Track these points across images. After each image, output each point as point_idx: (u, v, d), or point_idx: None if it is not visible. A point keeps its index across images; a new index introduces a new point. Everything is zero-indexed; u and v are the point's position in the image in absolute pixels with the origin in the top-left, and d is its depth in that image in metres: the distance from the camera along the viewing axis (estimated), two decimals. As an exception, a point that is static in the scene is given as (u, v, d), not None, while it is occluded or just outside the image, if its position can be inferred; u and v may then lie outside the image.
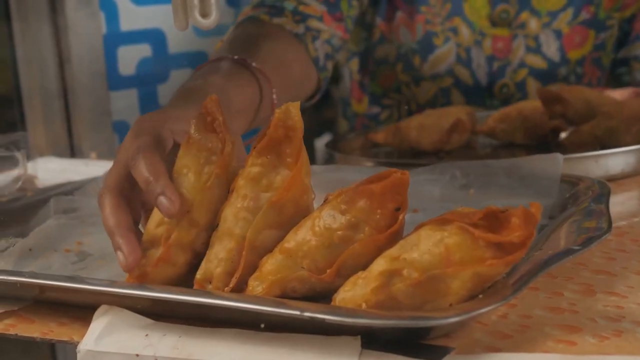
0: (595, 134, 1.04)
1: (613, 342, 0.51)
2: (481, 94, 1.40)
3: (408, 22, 1.40)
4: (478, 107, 1.36)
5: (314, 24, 1.14)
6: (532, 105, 1.16)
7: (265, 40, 1.02)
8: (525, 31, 1.38)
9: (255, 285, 0.58)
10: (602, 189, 0.75)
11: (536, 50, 1.39)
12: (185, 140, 0.65)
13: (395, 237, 0.56)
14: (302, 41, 1.09)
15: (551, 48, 1.38)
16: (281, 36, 1.08)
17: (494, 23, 1.38)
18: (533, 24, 1.38)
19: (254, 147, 0.61)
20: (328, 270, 0.56)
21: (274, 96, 0.94)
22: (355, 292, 0.53)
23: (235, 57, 0.92)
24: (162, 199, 0.61)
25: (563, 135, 1.13)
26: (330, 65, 1.15)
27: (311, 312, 0.49)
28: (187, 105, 0.75)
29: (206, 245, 0.62)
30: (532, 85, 1.40)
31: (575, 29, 1.38)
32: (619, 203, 0.83)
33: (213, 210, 0.63)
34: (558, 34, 1.38)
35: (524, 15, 1.38)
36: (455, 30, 1.38)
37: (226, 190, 0.63)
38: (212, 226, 0.63)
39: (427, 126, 1.15)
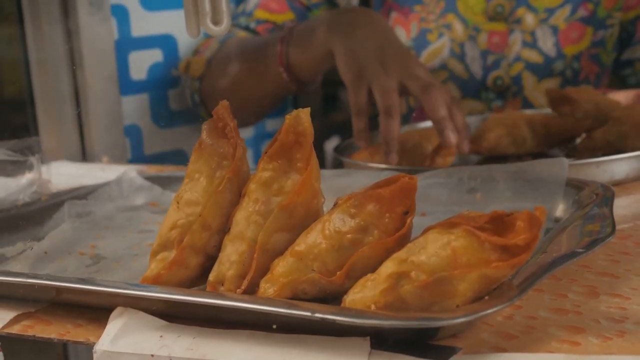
0: (608, 139, 1.05)
1: (616, 342, 0.52)
2: (477, 87, 1.42)
3: (403, 21, 1.43)
4: (474, 100, 1.37)
5: None
6: (542, 115, 1.15)
7: None
8: (521, 26, 1.39)
9: (267, 287, 0.58)
10: (606, 193, 0.76)
11: (532, 45, 1.40)
12: (197, 146, 0.66)
13: (403, 240, 0.57)
14: None
15: (547, 43, 1.40)
16: None
17: (490, 17, 1.40)
18: (530, 20, 1.39)
19: (265, 152, 0.62)
20: (338, 273, 0.57)
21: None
22: (364, 293, 0.54)
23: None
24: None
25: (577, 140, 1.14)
26: None
27: (322, 314, 0.50)
28: None
29: (218, 248, 0.63)
30: (528, 79, 1.41)
31: (572, 25, 1.40)
32: (623, 206, 0.84)
33: (225, 214, 0.64)
34: (554, 29, 1.39)
35: (521, 11, 1.39)
36: (449, 27, 1.40)
37: (237, 194, 0.64)
38: (224, 229, 0.64)
39: (407, 150, 1.09)
